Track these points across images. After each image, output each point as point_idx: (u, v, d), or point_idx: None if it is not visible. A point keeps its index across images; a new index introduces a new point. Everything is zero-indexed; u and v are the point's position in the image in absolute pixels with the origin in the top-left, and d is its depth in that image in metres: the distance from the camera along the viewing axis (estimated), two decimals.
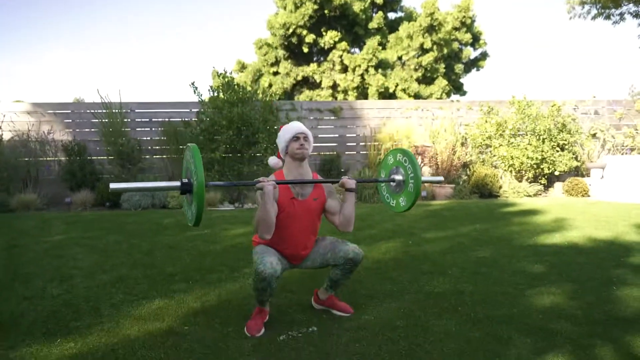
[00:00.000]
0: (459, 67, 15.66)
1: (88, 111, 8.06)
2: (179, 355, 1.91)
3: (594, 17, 12.61)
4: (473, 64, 16.69)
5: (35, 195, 7.05)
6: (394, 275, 3.04)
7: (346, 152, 8.93)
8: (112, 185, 1.81)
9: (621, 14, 12.54)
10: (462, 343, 2.01)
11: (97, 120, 7.81)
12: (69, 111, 8.27)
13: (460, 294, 2.66)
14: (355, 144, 9.02)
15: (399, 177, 2.37)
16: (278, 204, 2.14)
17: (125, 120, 7.97)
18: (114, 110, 7.77)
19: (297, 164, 2.22)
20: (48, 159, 7.90)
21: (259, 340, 2.06)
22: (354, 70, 14.63)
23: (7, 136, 7.78)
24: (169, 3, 37.38)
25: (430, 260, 3.42)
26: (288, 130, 2.24)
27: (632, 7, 12.40)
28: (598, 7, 12.26)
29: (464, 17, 15.01)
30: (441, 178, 2.59)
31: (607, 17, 12.60)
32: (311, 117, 8.86)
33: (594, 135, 8.93)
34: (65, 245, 4.10)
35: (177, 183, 1.90)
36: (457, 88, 16.45)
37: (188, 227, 5.04)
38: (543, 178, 8.24)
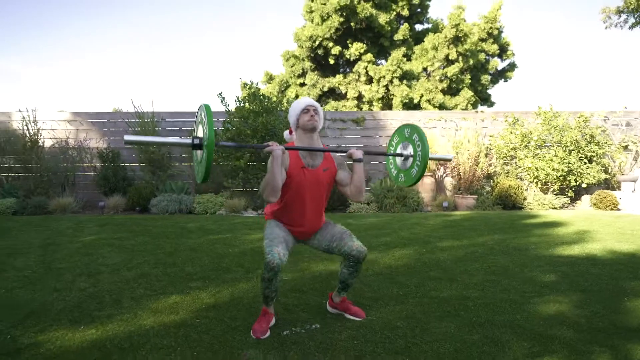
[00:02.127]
0: (485, 78, 15.49)
1: (122, 120, 8.49)
2: (187, 344, 2.06)
3: (631, 26, 12.28)
4: (500, 75, 16.47)
5: (72, 198, 7.47)
6: (402, 280, 3.11)
7: (370, 162, 9.01)
8: (127, 137, 1.95)
9: None
10: (459, 344, 2.07)
11: (130, 129, 8.22)
12: (105, 120, 8.73)
13: (465, 299, 2.70)
14: None
15: (406, 153, 2.50)
16: (288, 173, 2.23)
17: (157, 129, 8.35)
18: (146, 120, 8.16)
19: (309, 136, 2.31)
20: (84, 165, 8.36)
21: None
22: (378, 81, 14.72)
23: (47, 143, 8.28)
24: (201, 20, 38.69)
25: (441, 267, 3.47)
26: (298, 104, 2.34)
27: None
28: (636, 15, 11.94)
29: (491, 28, 14.91)
30: (451, 156, 2.68)
31: None
32: (335, 127, 9.01)
33: (625, 147, 8.67)
34: (96, 245, 4.37)
35: (189, 140, 2.04)
36: (484, 99, 16.26)
37: (210, 231, 5.25)
38: (570, 190, 8.06)
